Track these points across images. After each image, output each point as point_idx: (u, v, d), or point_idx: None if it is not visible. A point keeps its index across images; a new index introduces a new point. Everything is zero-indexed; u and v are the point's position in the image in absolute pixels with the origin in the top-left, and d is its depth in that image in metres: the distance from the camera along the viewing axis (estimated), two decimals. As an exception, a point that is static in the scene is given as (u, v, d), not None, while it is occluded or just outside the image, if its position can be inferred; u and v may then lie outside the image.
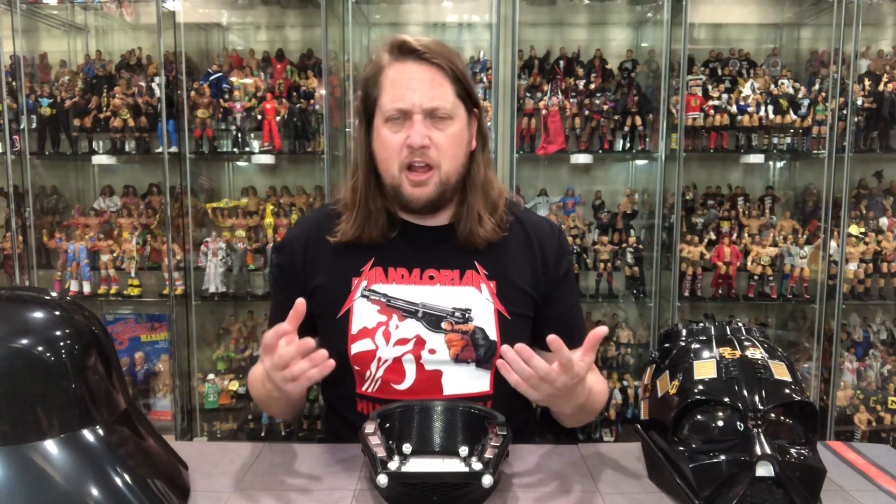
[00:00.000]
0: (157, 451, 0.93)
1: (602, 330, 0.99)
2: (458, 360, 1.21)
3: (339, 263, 1.26)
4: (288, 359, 1.00)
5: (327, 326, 1.26)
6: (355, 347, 1.21)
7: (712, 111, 2.63)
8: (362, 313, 1.22)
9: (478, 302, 1.23)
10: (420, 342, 1.20)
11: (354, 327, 1.22)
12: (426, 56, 1.17)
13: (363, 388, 1.23)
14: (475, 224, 1.22)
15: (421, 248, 1.26)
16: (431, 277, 1.24)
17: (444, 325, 1.21)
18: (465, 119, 1.21)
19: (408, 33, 3.00)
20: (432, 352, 1.20)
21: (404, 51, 1.18)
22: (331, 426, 1.37)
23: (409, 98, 1.16)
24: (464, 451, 0.92)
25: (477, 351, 1.21)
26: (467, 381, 1.22)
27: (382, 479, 0.89)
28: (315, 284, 1.26)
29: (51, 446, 0.81)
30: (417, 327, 1.21)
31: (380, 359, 1.21)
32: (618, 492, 1.01)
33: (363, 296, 1.23)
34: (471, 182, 1.25)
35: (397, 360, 1.21)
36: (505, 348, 0.99)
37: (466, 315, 1.22)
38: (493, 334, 1.22)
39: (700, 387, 0.96)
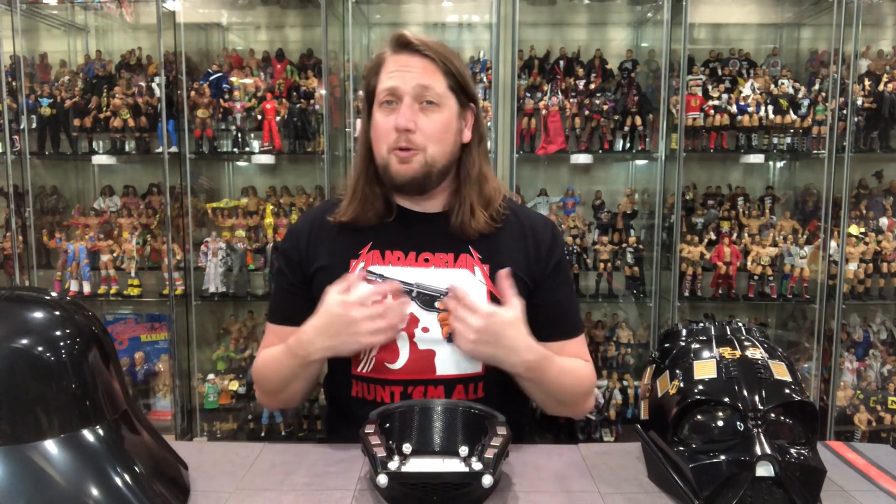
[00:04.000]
0: (157, 451, 0.93)
1: (504, 270, 1.17)
2: (450, 339, 1.23)
3: (339, 247, 1.30)
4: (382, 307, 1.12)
5: None
6: None
7: (712, 111, 2.64)
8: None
9: (471, 284, 1.26)
10: (414, 320, 1.23)
11: None
12: (420, 48, 1.24)
13: (358, 369, 1.26)
14: (467, 216, 1.27)
15: (417, 233, 1.30)
16: (426, 260, 1.28)
17: (437, 304, 1.24)
18: (455, 110, 1.27)
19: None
20: (425, 330, 1.23)
21: (401, 44, 1.25)
22: (332, 425, 1.40)
23: (399, 78, 1.23)
24: (464, 451, 0.92)
25: None
26: (460, 361, 1.24)
27: (382, 479, 0.89)
28: (316, 267, 1.30)
29: (51, 446, 0.81)
30: (412, 306, 1.24)
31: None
32: (618, 492, 1.01)
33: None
34: (465, 174, 1.30)
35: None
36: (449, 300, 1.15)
37: None
38: None
39: (700, 387, 0.96)
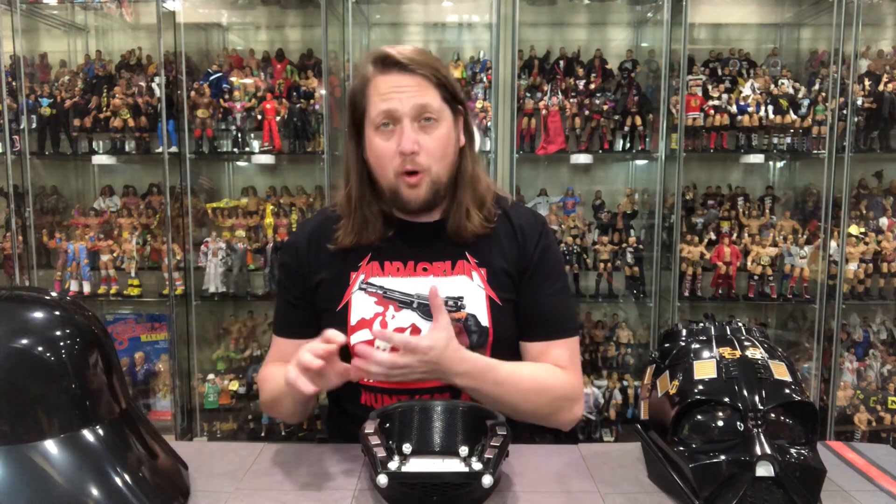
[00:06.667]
0: (157, 451, 0.93)
1: (433, 288, 1.15)
2: None
3: (339, 260, 1.30)
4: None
5: (328, 320, 1.29)
6: (354, 338, 1.24)
7: (712, 111, 2.63)
8: (360, 305, 1.26)
9: (470, 289, 1.26)
10: (416, 331, 1.23)
11: (353, 318, 1.26)
12: (410, 67, 1.21)
13: (365, 379, 1.24)
14: (463, 219, 1.26)
15: (415, 244, 1.30)
16: (425, 269, 1.28)
17: None
18: (451, 121, 1.26)
19: (408, 33, 3.02)
20: None
21: (388, 63, 1.22)
22: (334, 423, 1.39)
23: (395, 101, 1.20)
24: (464, 451, 0.92)
25: (470, 337, 1.24)
26: None
27: (382, 479, 0.89)
28: (317, 280, 1.30)
29: (51, 446, 0.81)
30: (413, 317, 1.24)
31: (378, 348, 1.22)
32: (618, 492, 1.01)
33: (361, 288, 1.27)
34: (461, 177, 1.29)
35: (394, 350, 1.21)
36: (360, 348, 1.10)
37: (459, 303, 1.25)
38: (484, 320, 1.25)
39: (700, 387, 0.96)
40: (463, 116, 1.30)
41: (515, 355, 1.34)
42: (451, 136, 1.25)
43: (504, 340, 1.26)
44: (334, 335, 1.08)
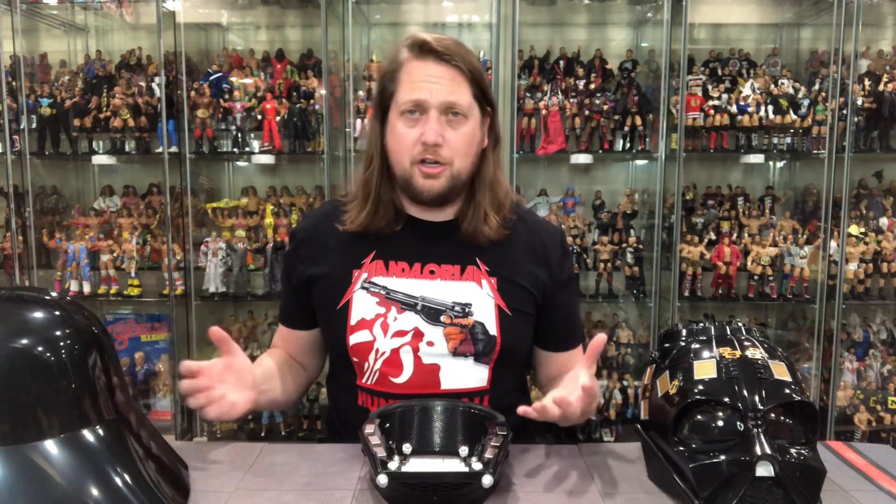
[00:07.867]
0: (157, 451, 0.93)
1: (601, 338, 1.04)
2: (456, 353, 1.21)
3: (342, 255, 1.27)
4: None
5: (327, 317, 1.28)
6: (353, 338, 1.23)
7: (712, 111, 2.63)
8: (361, 305, 1.24)
9: (478, 297, 1.23)
10: (418, 334, 1.21)
11: (353, 318, 1.23)
12: (446, 57, 1.19)
13: (362, 381, 1.24)
14: (480, 222, 1.24)
15: (423, 243, 1.27)
16: (432, 272, 1.24)
17: (443, 318, 1.22)
18: (478, 119, 1.23)
19: (407, 33, 3.00)
20: (430, 344, 1.21)
21: (425, 50, 1.20)
22: (332, 426, 1.38)
23: (426, 91, 1.18)
24: (464, 451, 0.92)
25: (476, 345, 1.22)
26: (465, 375, 1.22)
27: (382, 479, 0.89)
28: (316, 275, 1.28)
29: (51, 446, 0.81)
30: (416, 320, 1.22)
31: (377, 350, 1.22)
32: (618, 492, 1.01)
33: (363, 287, 1.24)
34: (480, 180, 1.26)
35: (395, 352, 1.21)
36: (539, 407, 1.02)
37: (466, 309, 1.22)
38: (493, 329, 1.22)
39: (700, 387, 0.96)
40: (490, 118, 1.27)
41: (522, 365, 1.34)
42: (475, 135, 1.23)
43: (512, 350, 1.24)
44: (188, 368, 1.07)
